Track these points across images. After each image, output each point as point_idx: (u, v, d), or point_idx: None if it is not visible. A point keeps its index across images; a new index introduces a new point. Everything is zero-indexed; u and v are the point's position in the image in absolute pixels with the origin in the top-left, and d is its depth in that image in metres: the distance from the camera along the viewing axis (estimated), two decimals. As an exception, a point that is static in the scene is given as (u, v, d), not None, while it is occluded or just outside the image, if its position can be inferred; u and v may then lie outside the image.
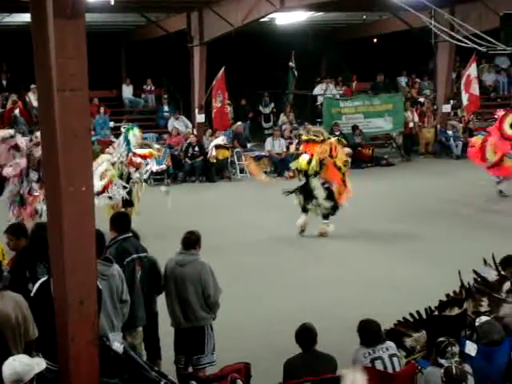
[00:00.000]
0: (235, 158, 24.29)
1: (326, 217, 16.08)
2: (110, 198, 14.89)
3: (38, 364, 6.10)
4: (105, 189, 14.80)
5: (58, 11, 6.17)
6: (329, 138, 16.27)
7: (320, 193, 15.83)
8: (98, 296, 6.94)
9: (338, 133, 25.09)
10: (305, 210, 16.07)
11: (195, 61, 25.05)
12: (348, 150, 24.50)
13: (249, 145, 25.75)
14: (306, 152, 16.04)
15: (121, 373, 6.87)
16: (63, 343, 6.62)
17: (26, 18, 15.18)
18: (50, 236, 6.78)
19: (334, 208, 15.93)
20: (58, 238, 6.51)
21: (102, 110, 26.35)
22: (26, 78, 23.41)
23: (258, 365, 7.76)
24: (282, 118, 27.79)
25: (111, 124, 26.51)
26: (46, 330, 6.85)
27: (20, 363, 5.95)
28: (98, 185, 14.46)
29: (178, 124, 25.83)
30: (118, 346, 6.88)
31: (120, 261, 7.98)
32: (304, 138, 16.28)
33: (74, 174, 6.39)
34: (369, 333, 7.42)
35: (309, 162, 15.81)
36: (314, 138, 15.99)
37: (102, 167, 15.04)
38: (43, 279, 7.24)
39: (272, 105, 28.70)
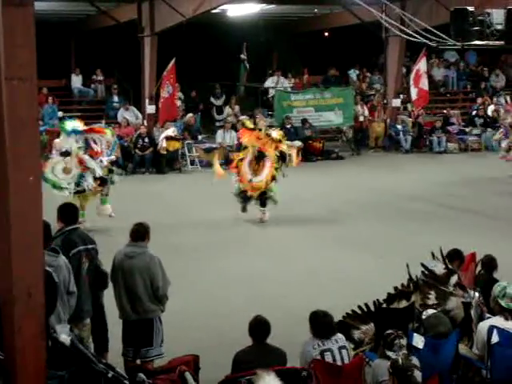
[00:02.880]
0: (186, 149, 24.21)
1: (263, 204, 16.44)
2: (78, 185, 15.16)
3: None
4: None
5: (6, -1, 6.09)
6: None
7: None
8: (55, 288, 6.87)
9: (289, 126, 25.26)
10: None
11: (146, 51, 24.92)
12: (298, 143, 24.78)
13: (200, 137, 25.67)
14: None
15: (68, 365, 6.80)
16: (9, 335, 6.53)
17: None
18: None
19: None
20: (6, 228, 6.43)
21: (50, 99, 26.10)
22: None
23: (206, 357, 7.73)
24: (227, 110, 27.75)
25: (60, 114, 26.20)
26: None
27: None
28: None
29: (127, 115, 25.66)
30: (65, 337, 6.80)
31: (66, 252, 7.89)
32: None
33: (21, 163, 6.30)
34: (322, 324, 7.41)
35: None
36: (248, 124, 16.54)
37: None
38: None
39: (224, 97, 28.63)
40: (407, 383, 6.38)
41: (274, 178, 16.22)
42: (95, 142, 15.47)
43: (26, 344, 6.47)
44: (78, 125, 15.60)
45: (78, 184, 15.20)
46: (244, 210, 16.49)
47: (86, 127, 15.62)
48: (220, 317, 10.76)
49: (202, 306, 11.25)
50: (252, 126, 16.56)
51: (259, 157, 16.20)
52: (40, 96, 23.94)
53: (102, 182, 15.53)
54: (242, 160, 16.48)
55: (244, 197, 16.42)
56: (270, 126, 16.77)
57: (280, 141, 16.34)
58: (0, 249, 6.63)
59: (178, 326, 9.79)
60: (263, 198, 16.38)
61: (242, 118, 25.38)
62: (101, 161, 15.54)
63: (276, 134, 16.45)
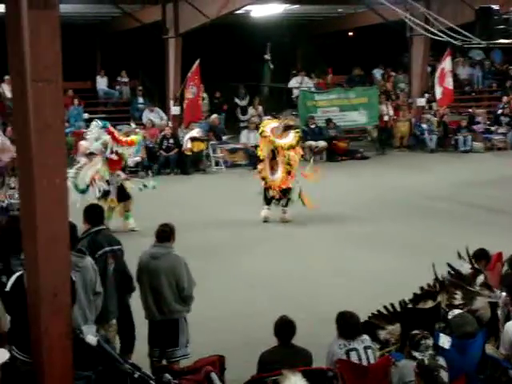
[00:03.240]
0: (210, 150, 24.24)
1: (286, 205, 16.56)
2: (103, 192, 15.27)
3: (1, 356, 6.05)
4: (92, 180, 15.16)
5: (32, 2, 6.12)
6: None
7: None
8: (72, 288, 6.90)
9: (313, 126, 25.24)
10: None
11: (170, 53, 24.96)
12: (323, 143, 24.77)
13: (224, 137, 25.70)
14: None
15: (94, 365, 6.85)
16: (36, 335, 6.58)
17: (-1, 8, 15.09)
18: (23, 228, 6.74)
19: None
20: (32, 229, 6.47)
21: (76, 101, 26.21)
22: (-1, 68, 23.20)
23: (232, 357, 7.74)
24: (251, 111, 27.75)
25: (85, 116, 26.36)
26: (22, 322, 6.81)
27: None
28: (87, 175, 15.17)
29: (152, 116, 25.74)
30: (91, 338, 6.84)
31: (92, 253, 7.94)
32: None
33: (47, 165, 6.34)
34: (348, 325, 7.41)
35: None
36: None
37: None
38: (19, 273, 7.19)
39: (248, 97, 28.64)
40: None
41: (289, 174, 16.37)
42: (116, 153, 15.46)
43: (53, 344, 6.51)
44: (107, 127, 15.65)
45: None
46: (265, 219, 16.56)
47: (114, 134, 15.57)
48: (245, 317, 10.76)
49: (227, 306, 11.25)
50: (267, 133, 16.51)
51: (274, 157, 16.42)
52: (65, 98, 24.02)
53: (124, 197, 15.59)
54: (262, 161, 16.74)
55: (266, 197, 16.51)
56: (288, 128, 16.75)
57: (291, 147, 16.41)
58: (26, 250, 6.69)
59: (204, 326, 9.80)
60: (285, 199, 16.47)
61: (265, 118, 25.46)
62: (118, 175, 15.60)
63: (286, 141, 16.48)
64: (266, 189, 16.52)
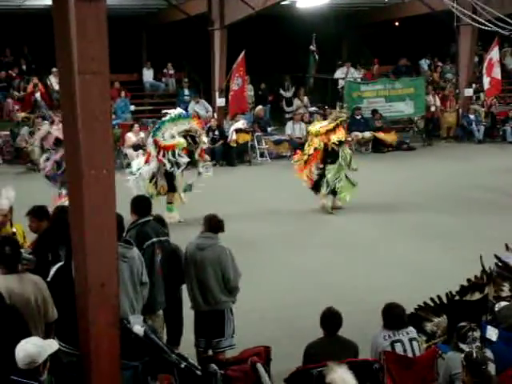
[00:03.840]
0: (255, 142, 24.25)
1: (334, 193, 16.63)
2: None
3: (50, 345, 6.13)
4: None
5: (78, -6, 6.17)
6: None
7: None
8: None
9: (359, 117, 25.13)
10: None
11: (216, 44, 25.00)
12: (369, 134, 24.67)
13: (269, 129, 25.70)
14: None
15: (141, 355, 6.90)
16: (84, 326, 6.65)
17: (46, 1, 15.16)
18: (71, 219, 6.81)
19: None
20: (80, 221, 6.53)
21: (122, 93, 26.39)
22: (47, 61, 23.43)
23: (277, 348, 7.76)
24: (296, 102, 27.70)
25: (132, 108, 26.56)
26: (63, 313, 6.89)
27: (32, 345, 5.97)
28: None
29: (198, 108, 25.79)
30: (138, 328, 6.90)
31: (139, 244, 8.00)
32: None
33: (95, 157, 6.39)
34: (393, 316, 7.40)
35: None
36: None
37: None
38: (59, 264, 7.30)
39: (293, 88, 28.59)
40: (481, 377, 6.32)
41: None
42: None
43: (101, 333, 6.58)
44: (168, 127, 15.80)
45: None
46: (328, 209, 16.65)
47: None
48: (291, 308, 10.77)
49: (272, 297, 11.28)
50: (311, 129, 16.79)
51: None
52: (112, 90, 24.22)
53: (171, 187, 15.70)
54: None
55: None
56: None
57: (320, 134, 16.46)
58: (74, 241, 6.76)
59: (250, 317, 9.84)
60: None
61: (311, 109, 25.47)
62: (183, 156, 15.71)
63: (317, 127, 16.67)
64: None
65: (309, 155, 16.58)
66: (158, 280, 8.21)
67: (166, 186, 15.55)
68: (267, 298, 11.21)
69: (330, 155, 16.34)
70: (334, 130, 16.36)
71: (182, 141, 15.43)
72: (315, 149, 16.45)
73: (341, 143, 16.35)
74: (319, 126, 16.81)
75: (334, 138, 16.26)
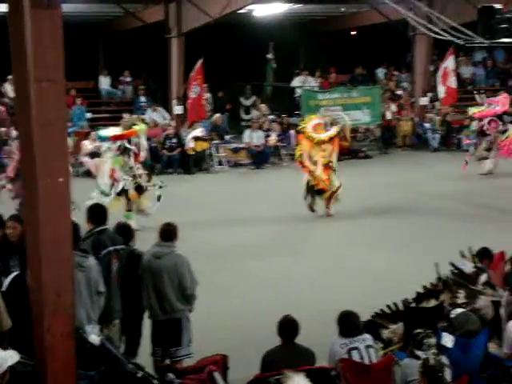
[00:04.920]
0: (213, 149, 24.23)
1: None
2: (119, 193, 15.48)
3: (12, 356, 6.06)
4: (113, 179, 15.39)
5: (34, 1, 6.13)
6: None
7: None
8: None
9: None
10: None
11: (173, 52, 24.97)
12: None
13: (227, 137, 25.70)
14: None
15: (98, 365, 6.85)
16: (39, 335, 6.59)
17: (1, 8, 15.02)
18: (26, 228, 6.75)
19: None
20: (35, 229, 6.47)
21: (78, 101, 26.22)
22: (2, 68, 23.21)
23: (235, 357, 7.74)
24: (255, 112, 27.72)
25: (88, 115, 26.41)
26: (18, 323, 6.82)
27: None
28: (107, 181, 15.38)
29: (155, 116, 25.74)
30: (94, 338, 6.85)
31: (95, 253, 7.93)
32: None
33: (50, 165, 6.35)
34: (348, 324, 7.43)
35: None
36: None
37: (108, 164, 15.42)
38: (15, 273, 7.21)
39: (254, 97, 28.61)
40: (438, 383, 6.35)
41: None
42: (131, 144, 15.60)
43: (56, 343, 6.52)
44: (108, 132, 15.76)
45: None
46: (312, 209, 16.79)
47: (116, 133, 15.66)
48: (248, 317, 10.77)
49: (230, 305, 11.26)
50: (307, 130, 16.90)
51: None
52: (68, 97, 24.07)
53: (139, 191, 15.71)
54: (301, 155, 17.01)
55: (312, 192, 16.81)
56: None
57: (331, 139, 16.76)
58: (30, 249, 6.69)
59: (207, 325, 9.80)
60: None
61: (270, 118, 25.50)
62: (138, 168, 15.69)
63: (327, 134, 16.84)
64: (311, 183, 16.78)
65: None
66: (115, 289, 8.14)
67: (135, 193, 15.58)
68: (225, 307, 11.19)
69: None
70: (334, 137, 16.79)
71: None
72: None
73: None
74: (313, 122, 17.00)
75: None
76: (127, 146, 15.47)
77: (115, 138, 15.54)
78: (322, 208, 16.87)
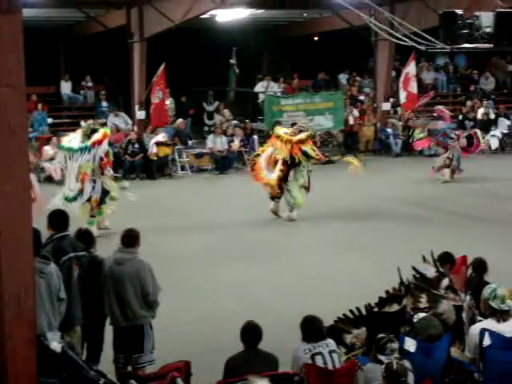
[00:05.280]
0: (176, 155, 24.18)
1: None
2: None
3: None
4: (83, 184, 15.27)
5: (-6, 6, 6.07)
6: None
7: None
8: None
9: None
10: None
11: (135, 57, 24.91)
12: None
13: (190, 142, 25.66)
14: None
15: (59, 372, 6.78)
16: (0, 342, 6.51)
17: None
18: (-15, 234, 6.66)
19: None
20: (-6, 236, 6.40)
21: (39, 106, 26.04)
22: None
23: (198, 363, 7.71)
24: (218, 117, 27.70)
25: (49, 120, 26.24)
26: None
27: None
28: (75, 185, 15.23)
29: (117, 121, 25.65)
30: (56, 345, 6.78)
31: (56, 259, 7.85)
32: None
33: (10, 171, 6.28)
34: (311, 329, 7.42)
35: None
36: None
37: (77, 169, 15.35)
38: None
39: (216, 103, 28.59)
40: (400, 388, 6.37)
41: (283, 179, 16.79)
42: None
43: (17, 350, 6.44)
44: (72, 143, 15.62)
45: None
46: (275, 214, 17.02)
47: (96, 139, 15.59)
48: (211, 323, 10.73)
49: (193, 312, 11.22)
50: (280, 133, 16.99)
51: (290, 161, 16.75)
52: (29, 103, 23.90)
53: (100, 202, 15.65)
54: (258, 155, 17.24)
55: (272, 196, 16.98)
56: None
57: (300, 142, 16.75)
58: (-11, 256, 6.62)
59: (169, 332, 9.77)
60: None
61: (233, 123, 25.51)
62: (108, 170, 15.66)
63: (299, 136, 16.91)
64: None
65: (274, 161, 16.81)
66: (75, 296, 8.07)
67: (98, 199, 15.49)
68: (188, 312, 11.15)
69: (290, 166, 16.69)
70: (303, 141, 16.70)
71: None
72: (284, 160, 16.68)
73: (309, 157, 16.64)
74: (284, 132, 17.05)
75: (308, 147, 16.71)
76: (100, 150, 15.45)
77: (95, 144, 15.42)
78: (285, 212, 16.92)
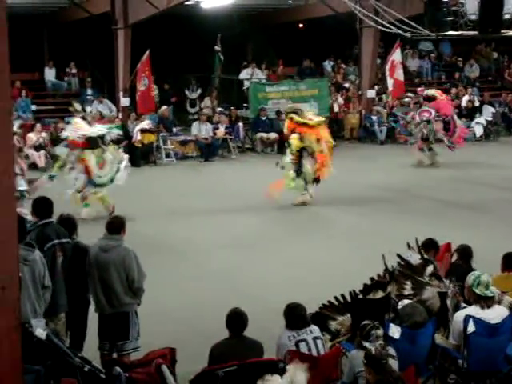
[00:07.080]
0: (161, 142, 24.12)
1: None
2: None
3: None
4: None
5: (-23, -9, 6.01)
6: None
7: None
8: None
9: (264, 118, 25.25)
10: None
11: (119, 43, 24.80)
12: (274, 135, 24.79)
13: (175, 129, 25.60)
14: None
15: (44, 359, 6.77)
16: (-16, 330, 6.49)
17: None
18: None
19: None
20: (-22, 223, 6.37)
21: (23, 93, 25.89)
22: None
23: (183, 350, 7.72)
24: (207, 101, 27.61)
25: (33, 107, 26.10)
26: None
27: None
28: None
29: (101, 108, 25.53)
30: (40, 332, 6.76)
31: (40, 246, 7.83)
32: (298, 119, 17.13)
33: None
34: (294, 316, 7.44)
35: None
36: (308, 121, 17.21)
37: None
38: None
39: (199, 91, 28.51)
40: (383, 372, 6.39)
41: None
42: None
43: (2, 337, 6.41)
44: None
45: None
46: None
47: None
48: (197, 310, 10.74)
49: (178, 299, 11.23)
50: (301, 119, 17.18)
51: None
52: (13, 89, 23.75)
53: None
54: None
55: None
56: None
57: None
58: (-27, 243, 6.58)
59: (155, 319, 9.75)
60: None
61: (218, 110, 25.47)
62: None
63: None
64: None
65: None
66: (60, 283, 8.06)
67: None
68: (173, 300, 11.15)
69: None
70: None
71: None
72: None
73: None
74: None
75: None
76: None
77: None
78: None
